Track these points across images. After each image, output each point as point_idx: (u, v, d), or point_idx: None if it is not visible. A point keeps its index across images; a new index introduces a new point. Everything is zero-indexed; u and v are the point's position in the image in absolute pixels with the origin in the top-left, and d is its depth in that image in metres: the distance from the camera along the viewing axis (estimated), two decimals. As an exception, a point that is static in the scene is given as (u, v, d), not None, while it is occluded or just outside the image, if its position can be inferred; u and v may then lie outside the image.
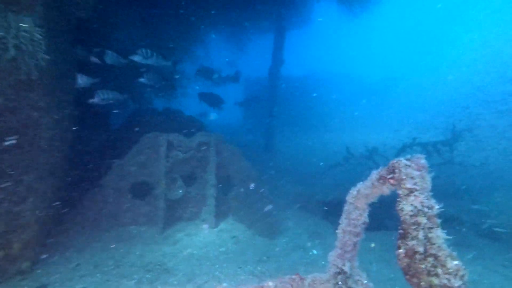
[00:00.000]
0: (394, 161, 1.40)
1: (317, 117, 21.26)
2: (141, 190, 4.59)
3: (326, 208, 6.43)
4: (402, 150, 7.71)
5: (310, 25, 17.95)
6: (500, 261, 3.99)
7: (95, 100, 4.35)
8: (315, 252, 4.04)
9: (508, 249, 4.33)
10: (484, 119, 10.82)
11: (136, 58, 4.94)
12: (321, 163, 9.66)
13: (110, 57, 4.75)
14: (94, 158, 4.66)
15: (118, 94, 4.61)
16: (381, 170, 1.48)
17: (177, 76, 6.84)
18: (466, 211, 5.57)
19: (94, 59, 5.18)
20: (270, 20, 14.25)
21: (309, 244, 4.27)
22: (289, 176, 8.61)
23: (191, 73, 8.22)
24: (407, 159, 1.37)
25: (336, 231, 4.75)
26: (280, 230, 4.72)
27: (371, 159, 8.40)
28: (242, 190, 5.20)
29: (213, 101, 7.34)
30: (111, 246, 3.67)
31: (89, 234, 3.90)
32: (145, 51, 4.94)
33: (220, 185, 5.23)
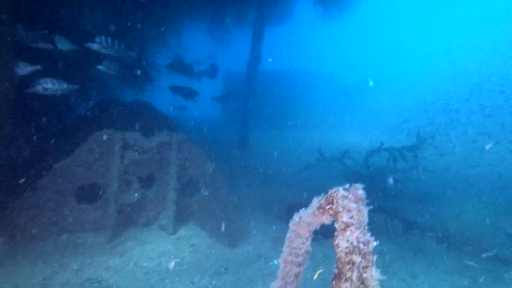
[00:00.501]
0: (333, 190, 1.33)
1: (294, 114, 21.34)
2: (90, 194, 4.15)
3: (292, 212, 6.31)
4: (370, 155, 7.79)
5: (291, 23, 17.79)
6: (450, 268, 4.07)
7: (36, 89, 3.82)
8: (275, 262, 3.86)
9: (459, 256, 4.43)
10: (448, 126, 11.31)
11: (94, 46, 4.45)
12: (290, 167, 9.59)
13: (60, 42, 4.21)
14: (34, 158, 4.12)
15: (65, 83, 4.08)
16: (321, 199, 1.35)
17: (139, 69, 6.31)
18: (426, 216, 5.69)
19: (41, 43, 4.60)
20: (250, 15, 13.90)
21: (271, 252, 4.08)
22: (260, 176, 8.42)
23: (165, 64, 7.66)
24: (345, 189, 1.28)
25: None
26: (243, 237, 4.50)
27: (342, 161, 8.42)
28: (206, 193, 4.90)
29: (186, 93, 6.93)
30: (43, 259, 3.23)
31: (18, 245, 3.42)
32: (105, 39, 4.45)
33: (183, 188, 4.90)
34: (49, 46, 4.66)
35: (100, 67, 5.01)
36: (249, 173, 8.69)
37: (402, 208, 5.96)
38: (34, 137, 4.74)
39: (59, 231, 3.80)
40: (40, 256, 3.29)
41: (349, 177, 7.70)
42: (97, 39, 4.29)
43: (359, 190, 1.27)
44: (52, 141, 4.26)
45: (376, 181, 7.06)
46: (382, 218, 5.76)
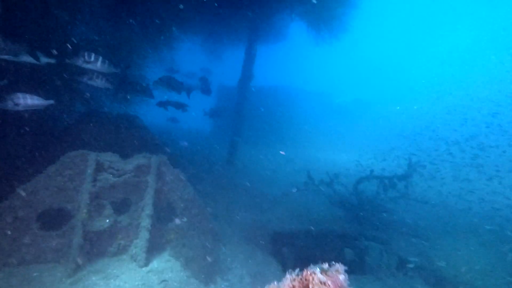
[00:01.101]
0: (308, 272, 1.13)
1: (284, 131, 21.38)
2: (55, 220, 3.83)
3: (276, 242, 6.08)
4: (359, 182, 7.69)
5: (284, 42, 18.11)
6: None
7: (6, 105, 3.58)
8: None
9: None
10: (441, 156, 11.42)
11: (78, 61, 4.28)
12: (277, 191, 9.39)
13: (27, 57, 4.03)
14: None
15: (39, 98, 3.86)
16: (294, 280, 1.14)
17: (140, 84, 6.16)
18: (416, 253, 5.54)
19: (23, 57, 4.40)
20: (243, 32, 14.09)
21: (249, 290, 3.83)
22: (245, 199, 8.17)
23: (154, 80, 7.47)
24: (323, 272, 1.05)
25: (283, 272, 4.17)
26: (221, 271, 4.22)
27: (331, 186, 8.28)
28: (184, 220, 4.64)
29: (174, 107, 6.84)
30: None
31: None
32: (88, 55, 4.29)
33: (159, 215, 4.63)
34: (31, 60, 4.46)
35: (83, 79, 4.82)
36: (234, 194, 8.45)
37: (392, 241, 5.82)
38: None
39: (14, 262, 3.45)
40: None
41: (337, 204, 7.56)
42: (80, 54, 4.14)
43: (341, 275, 1.07)
44: (19, 161, 3.97)
45: (365, 209, 6.93)
46: (377, 250, 5.59)
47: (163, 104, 6.70)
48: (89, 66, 4.35)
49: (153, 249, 4.32)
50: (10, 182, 3.74)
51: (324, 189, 8.50)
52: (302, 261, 5.66)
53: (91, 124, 6.48)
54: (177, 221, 4.58)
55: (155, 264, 4.08)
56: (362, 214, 6.77)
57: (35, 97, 3.84)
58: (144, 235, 4.03)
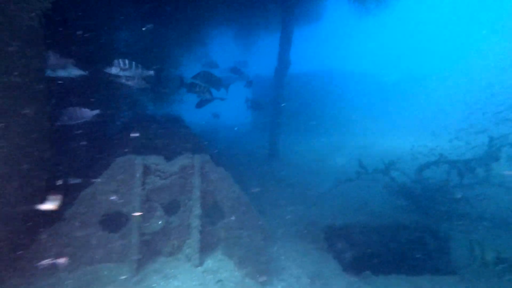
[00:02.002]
0: None
1: (329, 119, 20.61)
2: (115, 222, 4.15)
3: (331, 238, 5.86)
4: (425, 167, 6.98)
5: (321, 21, 17.31)
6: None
7: (65, 121, 3.98)
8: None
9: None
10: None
11: (113, 70, 4.54)
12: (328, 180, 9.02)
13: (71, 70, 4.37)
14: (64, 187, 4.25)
15: (88, 110, 4.21)
16: None
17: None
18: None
19: (71, 70, 4.83)
20: (277, 17, 13.75)
21: (309, 291, 3.72)
22: (292, 192, 8.04)
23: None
24: None
25: (344, 272, 3.95)
26: (276, 271, 4.19)
27: (388, 174, 7.71)
28: (233, 218, 4.70)
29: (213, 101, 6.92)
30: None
31: (51, 278, 3.48)
32: (122, 62, 4.52)
33: (207, 214, 4.75)
34: (78, 73, 4.86)
35: (121, 80, 5.06)
36: (280, 188, 8.37)
37: (474, 235, 5.20)
38: (64, 165, 4.96)
39: (87, 262, 3.83)
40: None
41: (397, 194, 7.01)
42: (115, 62, 4.37)
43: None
44: (78, 169, 4.38)
45: (432, 198, 6.32)
46: (458, 244, 4.99)
47: (202, 104, 6.82)
48: (125, 73, 4.58)
49: (205, 248, 4.46)
50: (75, 189, 4.14)
51: (380, 178, 7.97)
52: (361, 258, 5.36)
53: (137, 128, 6.87)
54: (227, 219, 4.66)
55: (209, 263, 4.20)
56: (428, 203, 6.19)
57: (84, 109, 4.18)
58: (195, 235, 4.17)
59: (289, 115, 18.52)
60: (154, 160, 4.21)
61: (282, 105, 13.04)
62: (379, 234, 6.30)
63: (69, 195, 3.98)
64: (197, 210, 4.23)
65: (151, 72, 4.78)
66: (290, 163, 12.28)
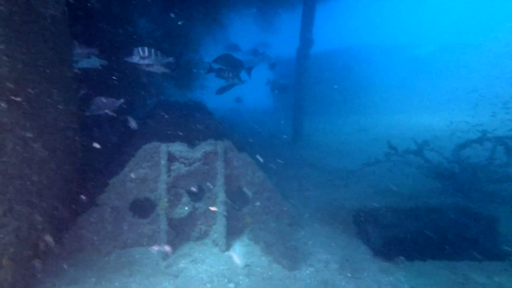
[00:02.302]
0: None
1: (354, 97, 19.79)
2: (143, 208, 4.27)
3: (360, 222, 5.68)
4: (466, 146, 6.46)
5: (345, -6, 16.29)
6: None
7: (94, 111, 4.09)
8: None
9: None
10: None
11: (134, 59, 4.55)
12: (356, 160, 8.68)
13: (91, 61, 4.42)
14: (94, 174, 4.42)
15: (114, 100, 4.27)
16: None
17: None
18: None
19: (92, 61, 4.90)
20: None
21: (339, 279, 3.62)
22: (317, 175, 7.86)
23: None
24: None
25: (374, 257, 3.78)
26: (303, 256, 4.13)
27: (421, 155, 7.26)
28: (258, 204, 4.67)
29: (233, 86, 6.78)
30: (107, 278, 3.38)
31: (88, 261, 3.67)
32: (141, 50, 4.50)
33: (232, 200, 4.75)
34: (100, 63, 4.93)
35: (142, 67, 5.03)
36: (304, 172, 8.22)
37: None
38: (94, 153, 5.14)
39: (121, 246, 3.99)
40: (105, 275, 3.48)
41: (432, 175, 6.60)
42: (135, 51, 4.36)
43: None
44: (105, 157, 4.51)
45: (473, 180, 5.88)
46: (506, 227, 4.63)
47: (223, 91, 6.70)
48: (145, 61, 4.58)
49: (232, 233, 4.49)
50: (105, 176, 4.29)
51: (412, 160, 7.54)
52: (393, 242, 5.13)
53: (160, 115, 6.94)
54: (251, 204, 4.63)
55: (236, 248, 4.23)
56: (469, 185, 5.77)
57: (110, 98, 4.25)
58: (221, 221, 4.19)
59: (313, 95, 18.00)
60: (178, 147, 4.21)
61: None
62: (412, 217, 6.02)
63: (100, 182, 4.12)
64: (222, 196, 4.22)
65: (171, 59, 4.74)
66: (315, 145, 12.02)
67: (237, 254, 4.07)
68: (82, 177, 4.34)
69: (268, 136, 14.10)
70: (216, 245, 4.23)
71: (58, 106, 3.83)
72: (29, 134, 2.88)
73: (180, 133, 6.68)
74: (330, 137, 14.45)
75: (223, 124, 10.22)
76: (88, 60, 4.68)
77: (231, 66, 6.47)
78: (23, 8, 3.05)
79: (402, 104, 19.02)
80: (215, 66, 6.85)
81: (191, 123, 6.85)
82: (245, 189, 4.56)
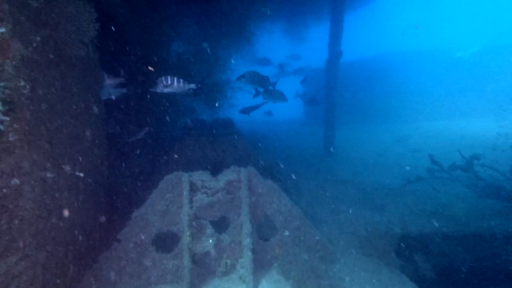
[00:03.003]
0: None
1: (390, 105, 18.63)
2: (166, 242, 4.08)
3: (405, 251, 5.00)
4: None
5: (375, 2, 15.68)
6: None
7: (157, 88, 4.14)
8: None
9: None
10: None
11: (158, 88, 4.55)
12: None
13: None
14: (117, 206, 4.37)
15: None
16: None
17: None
18: None
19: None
20: (327, 5, 12.80)
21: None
22: (352, 194, 7.23)
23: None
24: None
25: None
26: (338, 295, 3.64)
27: (471, 171, 6.39)
28: (287, 233, 4.27)
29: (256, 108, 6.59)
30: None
31: (108, 301, 3.54)
32: (165, 79, 4.48)
33: (259, 230, 4.41)
34: (124, 91, 4.99)
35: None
36: (337, 190, 7.61)
37: None
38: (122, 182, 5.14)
39: (144, 285, 3.82)
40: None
41: (487, 194, 5.71)
42: (159, 81, 4.34)
43: None
44: (128, 188, 4.45)
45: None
46: None
47: (247, 111, 6.50)
48: (168, 90, 4.56)
49: (260, 267, 4.13)
50: (128, 208, 4.20)
51: (460, 176, 6.65)
52: (446, 277, 4.36)
53: (187, 139, 6.88)
54: (280, 234, 4.25)
55: (264, 285, 3.86)
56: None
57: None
58: (247, 255, 3.86)
59: (345, 105, 17.25)
60: (200, 177, 4.01)
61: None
62: (466, 245, 5.20)
63: (122, 215, 4.03)
64: (247, 228, 3.91)
65: (193, 85, 4.66)
66: (349, 159, 11.30)
67: (266, 293, 3.69)
68: (109, 211, 4.31)
69: (299, 150, 13.62)
70: (243, 281, 3.88)
71: (87, 137, 3.86)
72: (49, 174, 2.83)
73: (206, 156, 6.54)
74: (366, 149, 13.58)
75: (251, 144, 9.98)
76: (113, 90, 4.75)
77: (256, 82, 6.25)
78: (49, 51, 3.09)
79: (443, 110, 17.50)
80: (259, 89, 6.78)
81: (218, 144, 6.70)
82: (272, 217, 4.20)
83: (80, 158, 3.75)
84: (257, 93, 8.09)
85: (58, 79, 3.34)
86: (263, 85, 5.95)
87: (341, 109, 13.76)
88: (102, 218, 4.17)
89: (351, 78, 18.54)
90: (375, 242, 4.92)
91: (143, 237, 3.87)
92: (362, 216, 6.04)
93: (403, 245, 5.06)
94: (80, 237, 3.60)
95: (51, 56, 3.18)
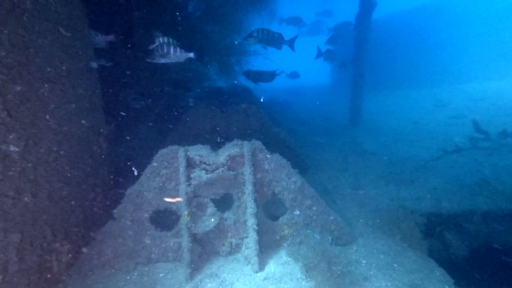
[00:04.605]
0: None
1: (430, 66, 16.88)
2: (165, 220, 3.93)
3: (436, 232, 4.52)
4: None
5: None
6: None
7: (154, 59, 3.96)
8: None
9: None
10: None
11: (155, 58, 4.23)
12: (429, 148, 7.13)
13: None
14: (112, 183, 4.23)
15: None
16: None
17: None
18: None
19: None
20: None
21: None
22: (378, 168, 6.67)
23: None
24: None
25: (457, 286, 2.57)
26: (353, 282, 3.32)
27: (523, 140, 5.52)
28: (297, 213, 3.94)
29: (264, 78, 6.04)
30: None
31: (108, 280, 3.50)
32: (161, 47, 4.12)
33: (266, 209, 4.11)
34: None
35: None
36: (364, 164, 7.06)
37: None
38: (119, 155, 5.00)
39: (144, 262, 3.75)
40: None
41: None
42: (155, 50, 4.02)
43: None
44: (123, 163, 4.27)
45: None
46: None
47: (251, 75, 5.96)
48: (165, 59, 4.24)
49: (267, 247, 3.90)
50: (123, 185, 4.06)
51: (510, 145, 5.79)
52: (485, 264, 3.84)
53: (199, 107, 6.55)
54: (289, 213, 3.93)
55: (271, 267, 3.63)
56: None
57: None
58: (252, 236, 3.61)
59: (376, 67, 15.90)
60: (198, 151, 3.70)
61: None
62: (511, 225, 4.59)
63: (117, 192, 3.90)
64: (251, 208, 3.62)
65: (191, 54, 4.27)
66: (377, 129, 10.51)
67: (273, 277, 3.46)
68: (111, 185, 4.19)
69: (322, 119, 12.92)
70: (249, 262, 3.68)
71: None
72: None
73: (218, 128, 6.21)
74: (398, 117, 12.58)
75: (269, 111, 9.48)
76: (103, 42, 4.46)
77: (267, 41, 5.63)
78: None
79: (490, 69, 15.51)
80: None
81: (229, 115, 6.33)
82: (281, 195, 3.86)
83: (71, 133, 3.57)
84: (319, 54, 7.54)
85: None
86: (275, 43, 5.34)
87: (371, 72, 12.62)
88: (99, 193, 4.08)
89: (383, 36, 16.84)
90: (400, 220, 4.46)
91: (140, 215, 3.73)
92: (387, 191, 5.54)
93: (433, 223, 4.56)
94: (72, 214, 3.52)
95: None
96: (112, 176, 4.41)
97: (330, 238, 3.79)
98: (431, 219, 4.45)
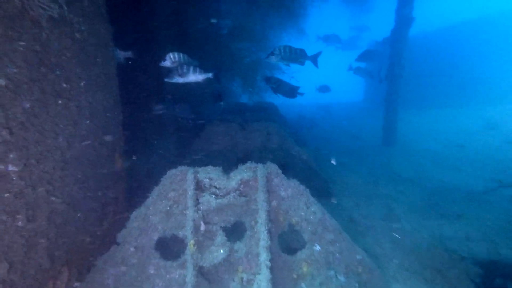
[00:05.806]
0: None
1: (476, 85, 15.73)
2: (171, 248, 3.68)
3: (494, 285, 3.83)
4: None
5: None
6: None
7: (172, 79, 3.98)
8: None
9: None
10: None
11: (173, 79, 4.23)
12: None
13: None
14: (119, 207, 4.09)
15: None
16: None
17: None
18: None
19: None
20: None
21: None
22: (416, 197, 6.02)
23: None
24: None
25: None
26: None
27: None
28: (317, 248, 3.50)
29: (285, 91, 5.79)
30: None
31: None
32: (181, 68, 4.09)
33: (282, 241, 3.72)
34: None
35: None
36: (399, 191, 6.42)
37: None
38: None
39: (147, 294, 3.49)
40: None
41: None
42: (173, 70, 4.00)
43: None
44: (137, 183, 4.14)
45: None
46: None
47: (272, 81, 5.76)
48: (183, 79, 4.18)
49: (282, 286, 3.48)
50: (127, 208, 3.91)
51: None
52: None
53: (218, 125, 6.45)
54: (309, 248, 3.51)
55: (285, 313, 3.20)
56: None
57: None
58: (265, 274, 3.23)
59: (413, 85, 15.10)
60: (208, 174, 3.45)
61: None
62: None
63: (121, 215, 3.73)
64: (264, 239, 3.26)
65: (210, 75, 4.19)
66: (414, 151, 9.72)
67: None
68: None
69: (350, 139, 12.29)
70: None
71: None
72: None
73: (237, 144, 6.01)
74: (438, 139, 11.65)
75: (293, 129, 9.13)
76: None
77: (291, 59, 5.42)
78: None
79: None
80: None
81: (249, 132, 6.12)
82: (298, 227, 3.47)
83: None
84: (350, 68, 7.40)
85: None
86: (297, 60, 5.11)
87: (407, 89, 11.96)
88: (109, 214, 3.95)
89: (423, 52, 16.09)
90: (445, 267, 3.83)
91: (145, 241, 3.51)
92: (426, 227, 4.90)
93: (488, 273, 3.87)
94: (75, 238, 3.38)
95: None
96: (126, 196, 4.29)
97: (357, 284, 3.29)
98: (486, 267, 3.76)
